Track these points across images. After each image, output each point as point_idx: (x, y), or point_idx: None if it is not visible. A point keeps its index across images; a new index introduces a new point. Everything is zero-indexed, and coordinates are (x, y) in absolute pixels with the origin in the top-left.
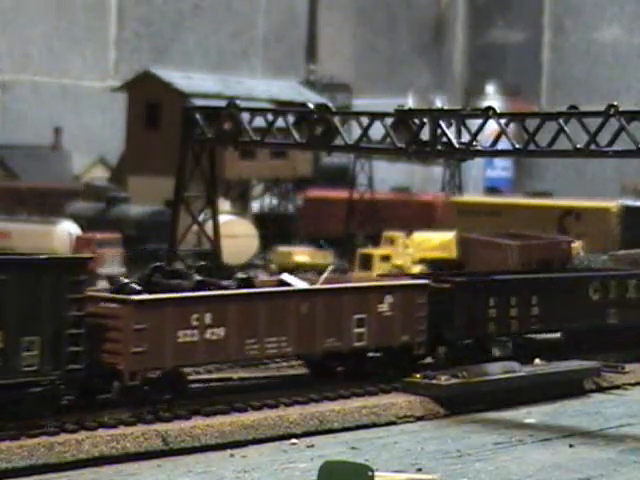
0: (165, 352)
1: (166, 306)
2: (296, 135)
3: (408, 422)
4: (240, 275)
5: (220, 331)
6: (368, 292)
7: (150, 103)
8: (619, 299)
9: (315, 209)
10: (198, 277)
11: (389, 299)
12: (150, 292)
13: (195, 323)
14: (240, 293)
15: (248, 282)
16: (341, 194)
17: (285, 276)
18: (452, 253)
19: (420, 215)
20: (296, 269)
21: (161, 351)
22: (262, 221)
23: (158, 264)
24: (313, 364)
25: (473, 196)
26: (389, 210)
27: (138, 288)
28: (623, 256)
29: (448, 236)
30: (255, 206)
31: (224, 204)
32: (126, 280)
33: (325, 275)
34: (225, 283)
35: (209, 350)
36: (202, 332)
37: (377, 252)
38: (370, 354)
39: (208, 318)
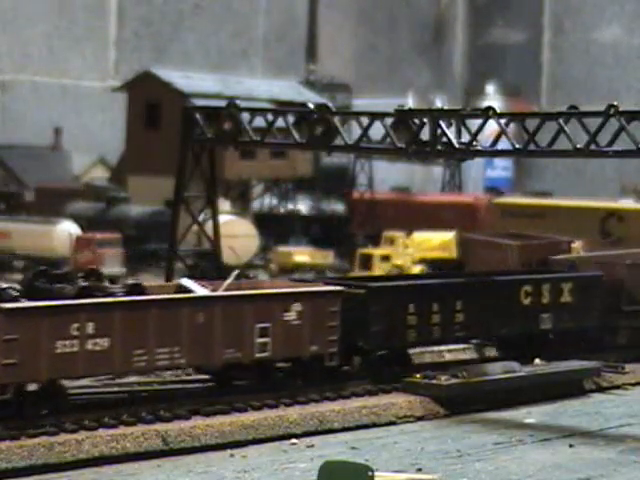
0: (41, 364)
1: (42, 314)
2: (296, 135)
3: (408, 422)
4: (130, 281)
5: (104, 341)
6: (273, 299)
7: (150, 103)
8: (553, 303)
9: (362, 210)
10: (83, 282)
11: (297, 307)
12: (30, 298)
13: (75, 333)
14: (127, 300)
15: (138, 288)
16: (390, 195)
17: (185, 281)
18: (452, 253)
19: (462, 217)
20: (296, 269)
21: (36, 363)
22: (312, 222)
23: (43, 267)
24: (217, 375)
25: (517, 197)
26: (429, 212)
27: (15, 294)
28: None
29: (448, 236)
30: (303, 207)
31: (224, 204)
32: (4, 285)
33: (229, 281)
34: (112, 289)
35: (91, 362)
36: (83, 342)
37: (377, 252)
38: (280, 365)
39: (90, 327)
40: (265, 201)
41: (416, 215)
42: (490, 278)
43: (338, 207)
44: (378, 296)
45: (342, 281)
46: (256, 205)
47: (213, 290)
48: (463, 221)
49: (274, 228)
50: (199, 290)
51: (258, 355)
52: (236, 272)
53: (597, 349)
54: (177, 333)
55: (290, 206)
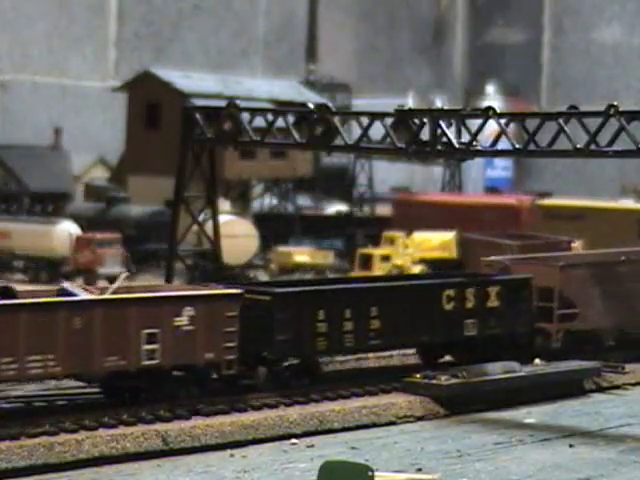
0: None
1: None
2: (296, 135)
3: (408, 422)
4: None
5: None
6: (161, 304)
7: (150, 103)
8: (478, 308)
9: (407, 212)
10: None
11: (189, 311)
12: None
13: None
14: None
15: (7, 292)
16: (434, 197)
17: (67, 285)
18: (452, 253)
19: (505, 219)
20: (296, 269)
21: None
22: (352, 224)
23: None
24: (105, 384)
25: (559, 199)
26: (472, 214)
27: None
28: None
29: (448, 236)
30: (341, 208)
31: (224, 204)
32: None
33: (117, 284)
34: None
35: None
36: None
37: (377, 252)
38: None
39: None
40: (301, 202)
41: (458, 217)
42: (409, 282)
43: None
44: (284, 302)
45: (250, 286)
46: (293, 205)
47: (100, 294)
48: (506, 223)
49: (315, 229)
50: (80, 294)
51: (145, 363)
52: (125, 274)
53: (528, 355)
54: (51, 340)
55: (331, 208)
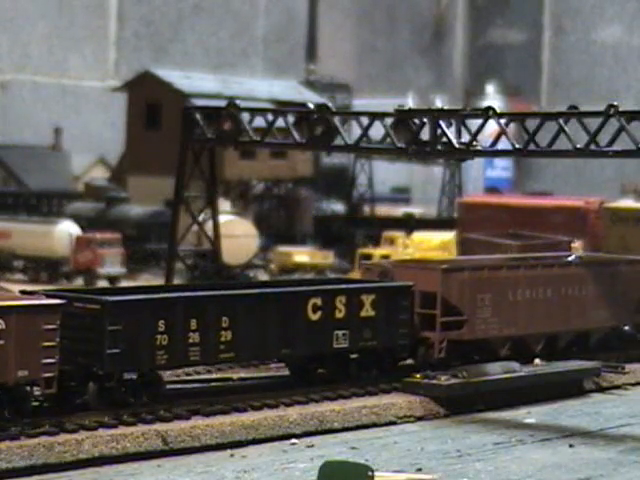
0: None
1: None
2: (296, 135)
3: (408, 422)
4: None
5: None
6: None
7: (150, 103)
8: (351, 318)
9: (472, 215)
10: None
11: None
12: None
13: None
14: None
15: None
16: (500, 199)
17: None
18: (452, 253)
19: (572, 222)
20: (296, 269)
21: None
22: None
23: None
24: None
25: (628, 202)
26: (539, 216)
27: None
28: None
29: (448, 236)
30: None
31: (224, 204)
32: None
33: None
34: None
35: None
36: None
37: (377, 252)
38: None
39: None
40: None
41: (524, 219)
42: (267, 290)
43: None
44: (116, 312)
45: (80, 294)
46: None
47: None
48: (573, 225)
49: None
50: None
51: None
52: None
53: (411, 368)
54: None
55: (404, 209)
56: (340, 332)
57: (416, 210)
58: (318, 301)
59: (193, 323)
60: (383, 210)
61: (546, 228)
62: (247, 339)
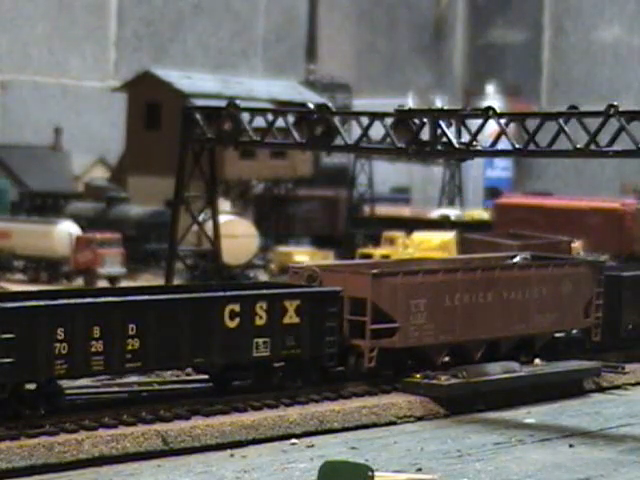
0: None
1: None
2: (296, 135)
3: (408, 422)
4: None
5: None
6: None
7: (150, 103)
8: (272, 325)
9: (507, 215)
10: None
11: None
12: None
13: None
14: None
15: None
16: (536, 200)
17: None
18: (452, 253)
19: (608, 224)
20: None
21: None
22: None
23: None
24: None
25: None
26: (574, 218)
27: None
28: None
29: (448, 236)
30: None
31: (224, 204)
32: None
33: None
34: None
35: None
36: None
37: (377, 252)
38: None
39: None
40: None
41: (559, 220)
42: (178, 295)
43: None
44: (8, 319)
45: None
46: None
47: None
48: (609, 228)
49: None
50: None
51: None
52: None
53: (338, 378)
54: None
55: (439, 211)
56: (260, 340)
57: (452, 212)
58: (236, 307)
59: (96, 331)
60: (416, 212)
61: (581, 230)
62: (156, 347)
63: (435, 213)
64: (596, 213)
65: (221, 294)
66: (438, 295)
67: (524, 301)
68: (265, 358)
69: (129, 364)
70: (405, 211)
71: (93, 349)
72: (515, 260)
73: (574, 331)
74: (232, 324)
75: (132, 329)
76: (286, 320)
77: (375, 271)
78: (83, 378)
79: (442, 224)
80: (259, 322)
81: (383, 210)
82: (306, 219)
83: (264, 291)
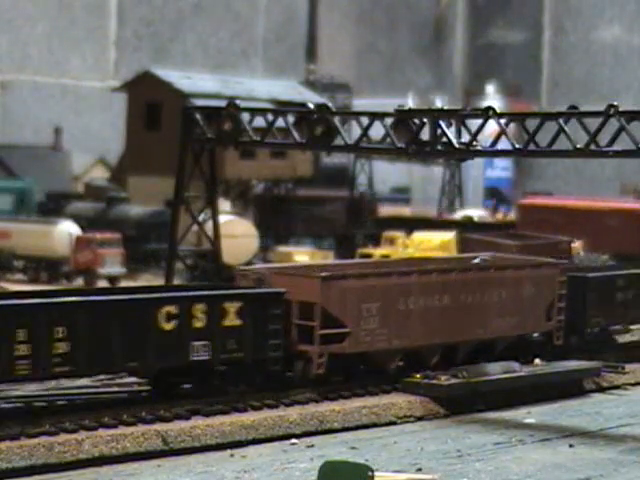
0: None
1: None
2: (296, 135)
3: (408, 422)
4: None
5: None
6: None
7: (150, 103)
8: (212, 328)
9: (531, 216)
10: None
11: None
12: None
13: None
14: None
15: None
16: (560, 201)
17: None
18: (452, 253)
19: (630, 225)
20: None
21: None
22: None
23: None
24: None
25: None
26: (596, 219)
27: None
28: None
29: (448, 236)
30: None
31: (224, 204)
32: None
33: None
34: None
35: None
36: None
37: (377, 252)
38: None
39: None
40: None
41: (583, 221)
42: (110, 297)
43: None
44: None
45: None
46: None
47: None
48: (630, 228)
49: None
50: None
51: None
52: None
53: (281, 386)
54: None
55: (463, 212)
56: (199, 343)
57: (475, 213)
58: (172, 309)
59: (20, 334)
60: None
61: (602, 230)
62: (87, 351)
63: (458, 214)
64: (617, 214)
65: (156, 295)
66: (391, 299)
67: (483, 304)
68: (205, 362)
69: (57, 368)
70: (405, 211)
71: (17, 353)
72: (475, 262)
73: (535, 334)
74: (168, 326)
75: (61, 332)
76: (227, 322)
77: (324, 274)
78: (4, 383)
79: (464, 225)
80: (197, 324)
81: (389, 210)
82: (329, 219)
83: (202, 292)
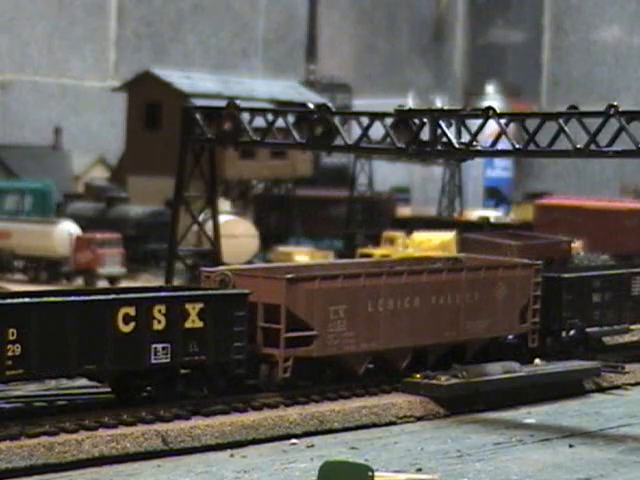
0: None
1: None
2: (296, 135)
3: (408, 422)
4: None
5: None
6: None
7: (150, 103)
8: (172, 330)
9: (549, 217)
10: None
11: None
12: None
13: None
14: None
15: None
16: (577, 201)
17: None
18: (452, 253)
19: None
20: None
21: None
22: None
23: None
24: None
25: None
26: (614, 218)
27: None
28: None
29: (448, 236)
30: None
31: (224, 204)
32: None
33: None
34: None
35: None
36: None
37: (377, 252)
38: None
39: None
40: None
41: (600, 221)
42: (65, 298)
43: None
44: None
45: None
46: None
47: None
48: None
49: None
50: None
51: None
52: None
53: (248, 388)
54: None
55: (479, 213)
56: (159, 346)
57: (492, 214)
58: (131, 311)
59: None
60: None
61: (619, 231)
62: (40, 354)
63: (475, 214)
64: (634, 215)
65: (113, 296)
66: (360, 301)
67: (454, 306)
68: (165, 365)
69: (9, 372)
70: (406, 210)
71: None
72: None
73: (510, 337)
74: (127, 329)
75: (13, 334)
76: (188, 324)
77: (289, 276)
78: None
79: (481, 226)
80: (157, 326)
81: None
82: (336, 220)
83: (162, 293)
